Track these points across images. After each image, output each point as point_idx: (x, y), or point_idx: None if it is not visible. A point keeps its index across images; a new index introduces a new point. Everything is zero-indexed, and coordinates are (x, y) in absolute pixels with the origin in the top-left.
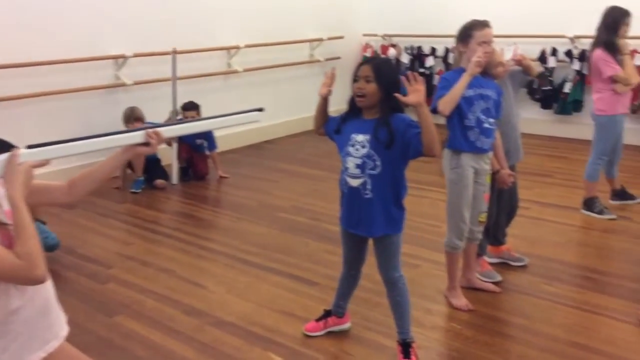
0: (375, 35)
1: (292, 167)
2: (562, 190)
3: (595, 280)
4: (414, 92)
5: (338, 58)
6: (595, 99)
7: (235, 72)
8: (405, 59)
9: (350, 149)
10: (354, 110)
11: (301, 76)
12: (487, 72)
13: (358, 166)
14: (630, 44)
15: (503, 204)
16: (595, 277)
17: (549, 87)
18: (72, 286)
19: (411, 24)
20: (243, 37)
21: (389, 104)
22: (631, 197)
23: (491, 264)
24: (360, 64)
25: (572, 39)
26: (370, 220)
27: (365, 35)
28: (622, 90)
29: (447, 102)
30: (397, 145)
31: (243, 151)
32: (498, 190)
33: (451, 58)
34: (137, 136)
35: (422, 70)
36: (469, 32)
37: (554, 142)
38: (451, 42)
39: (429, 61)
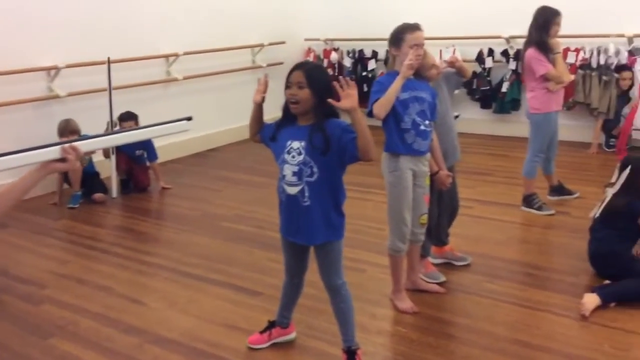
0: (317, 39)
1: (236, 175)
2: (503, 188)
3: (536, 277)
4: (347, 97)
5: (281, 63)
6: (529, 98)
7: (175, 80)
8: (347, 62)
9: (287, 157)
10: (288, 116)
11: (244, 82)
12: (421, 74)
13: (295, 173)
14: (561, 42)
15: (444, 205)
16: (536, 274)
17: (487, 87)
18: (5, 309)
19: (352, 27)
20: (182, 45)
21: (324, 110)
22: (569, 192)
23: (435, 264)
24: (292, 70)
25: (508, 39)
26: (310, 227)
27: (307, 39)
28: (554, 88)
29: (381, 106)
30: (333, 151)
31: (186, 160)
32: (438, 192)
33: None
34: (53, 152)
35: (364, 73)
36: (401, 35)
37: (494, 141)
38: None
39: (371, 64)
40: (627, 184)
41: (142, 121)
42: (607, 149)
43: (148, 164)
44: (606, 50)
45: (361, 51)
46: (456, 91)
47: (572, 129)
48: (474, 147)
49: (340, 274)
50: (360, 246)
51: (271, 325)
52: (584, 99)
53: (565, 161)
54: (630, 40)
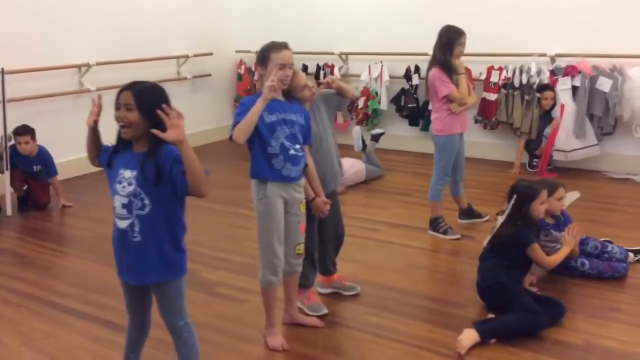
0: (248, 51)
1: None
2: (418, 210)
3: (425, 309)
4: (173, 128)
5: (208, 75)
6: (433, 119)
7: (88, 91)
8: None
9: (118, 187)
10: (124, 141)
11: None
12: (293, 95)
13: (124, 206)
14: (464, 62)
15: (327, 232)
16: (425, 305)
17: (414, 104)
18: None
19: (283, 40)
20: (95, 54)
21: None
22: (478, 215)
23: (323, 294)
24: (121, 90)
25: None
26: (141, 266)
27: (238, 51)
28: (456, 110)
29: (241, 130)
30: (165, 182)
31: (95, 176)
32: (320, 219)
33: (322, 76)
34: None
35: None
36: (266, 54)
37: (421, 159)
38: (324, 60)
39: None
40: (513, 213)
41: (52, 135)
42: (530, 169)
43: (48, 180)
44: (528, 70)
45: None
46: (369, 110)
47: (495, 148)
48: (400, 166)
49: (183, 314)
50: (250, 273)
51: None
52: (507, 119)
53: (487, 181)
54: (552, 59)
